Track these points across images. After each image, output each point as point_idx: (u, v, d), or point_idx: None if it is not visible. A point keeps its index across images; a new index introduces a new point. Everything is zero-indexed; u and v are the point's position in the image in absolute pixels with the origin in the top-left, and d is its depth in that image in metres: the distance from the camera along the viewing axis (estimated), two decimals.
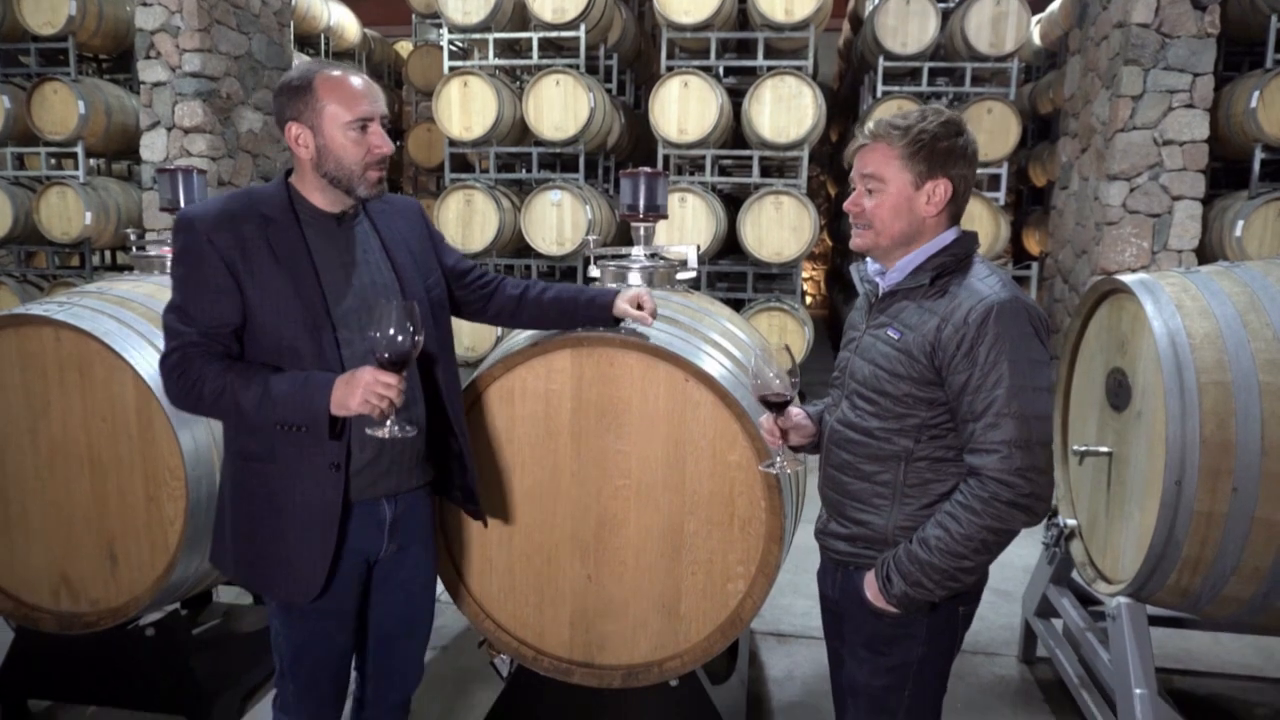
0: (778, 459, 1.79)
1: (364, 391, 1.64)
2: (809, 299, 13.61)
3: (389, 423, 1.68)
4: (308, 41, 10.09)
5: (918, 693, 1.72)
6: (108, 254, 8.36)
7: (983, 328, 1.54)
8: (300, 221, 1.80)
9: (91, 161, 7.53)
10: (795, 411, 1.83)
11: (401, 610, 2.04)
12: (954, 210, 1.66)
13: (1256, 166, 6.27)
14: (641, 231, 2.79)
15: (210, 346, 1.73)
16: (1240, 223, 6.15)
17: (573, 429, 2.28)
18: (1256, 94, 6.03)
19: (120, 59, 7.92)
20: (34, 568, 2.56)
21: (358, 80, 1.76)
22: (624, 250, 2.76)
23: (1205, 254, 6.37)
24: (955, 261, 1.64)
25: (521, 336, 2.38)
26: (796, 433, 1.82)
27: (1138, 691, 2.40)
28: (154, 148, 6.87)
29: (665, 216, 2.83)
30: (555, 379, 2.27)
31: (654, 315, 2.15)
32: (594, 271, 2.83)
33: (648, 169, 2.78)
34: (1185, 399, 2.25)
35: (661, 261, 2.74)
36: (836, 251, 11.97)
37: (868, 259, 1.79)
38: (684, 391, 2.22)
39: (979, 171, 7.04)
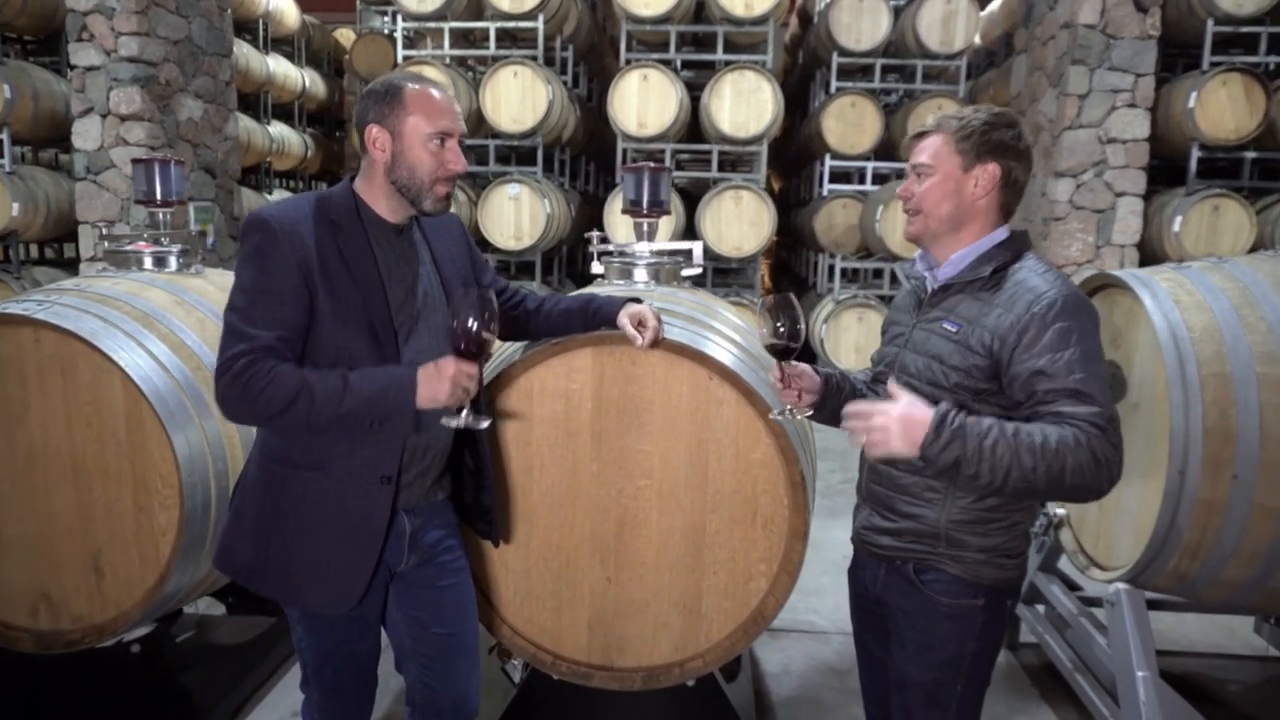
0: (787, 407, 1.82)
1: (453, 383, 1.64)
2: None
3: (464, 413, 1.70)
4: (244, 27, 9.70)
5: (969, 686, 1.73)
6: (34, 248, 7.93)
7: (1047, 318, 1.55)
8: (366, 231, 1.77)
9: (16, 149, 7.11)
10: (800, 364, 1.85)
11: (432, 629, 1.97)
12: (1004, 200, 1.69)
13: (1193, 165, 6.55)
14: (645, 227, 2.76)
15: (278, 350, 1.66)
16: (1179, 218, 6.42)
17: (593, 429, 2.24)
18: (1194, 95, 6.29)
19: (48, 41, 7.50)
20: (10, 584, 2.40)
21: (442, 95, 1.77)
22: (629, 247, 2.73)
23: (1145, 249, 6.64)
24: (1014, 256, 1.67)
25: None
26: (800, 381, 1.82)
27: (1140, 674, 2.49)
28: (87, 135, 6.53)
29: (668, 212, 2.80)
30: (576, 378, 2.22)
31: (656, 336, 2.08)
32: (596, 268, 2.78)
33: (651, 164, 2.75)
34: (1188, 391, 2.32)
35: (666, 258, 2.71)
36: (783, 245, 12.09)
37: (917, 256, 1.80)
38: (707, 389, 2.20)
39: None
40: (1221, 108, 6.29)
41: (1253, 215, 6.33)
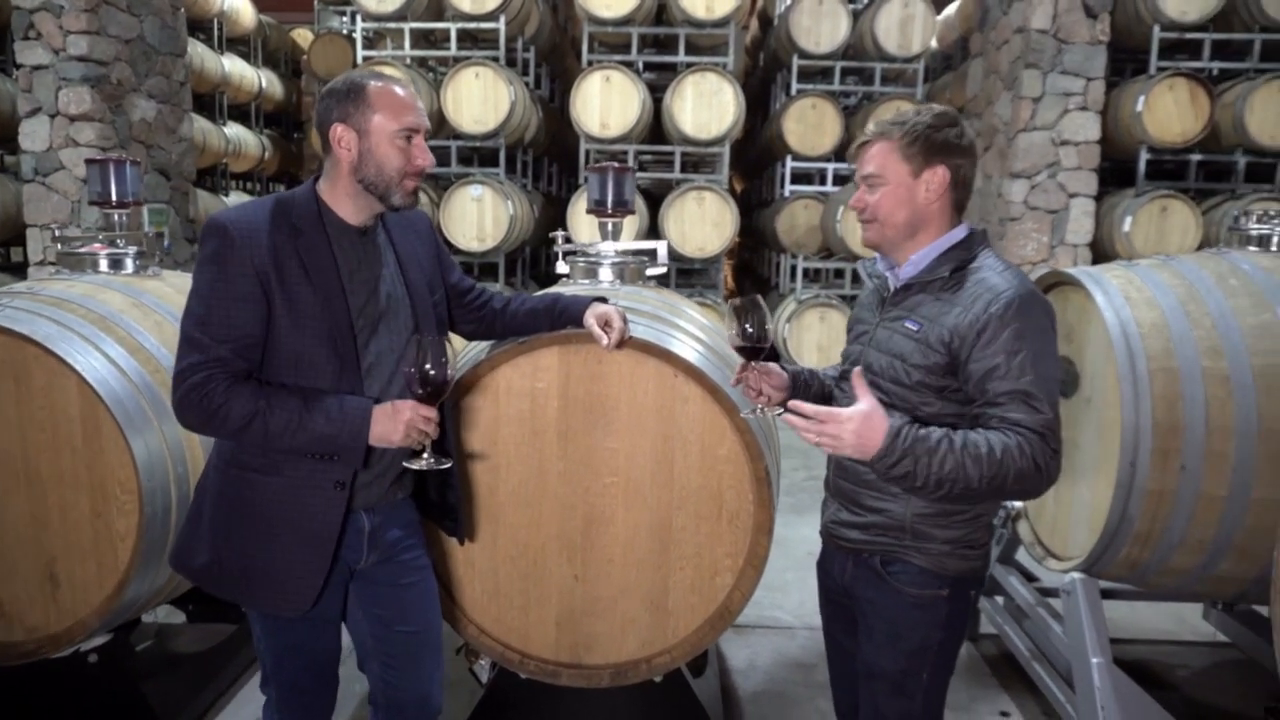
0: (758, 406, 1.83)
1: (407, 427, 1.68)
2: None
3: (426, 454, 1.74)
4: (199, 26, 9.53)
5: (935, 675, 1.77)
6: None
7: (1005, 318, 1.59)
8: (328, 235, 1.77)
9: None
10: (769, 363, 1.86)
11: (396, 627, 1.97)
12: (956, 199, 1.72)
13: (1142, 166, 6.73)
14: (609, 226, 2.78)
15: (234, 364, 1.68)
16: (1129, 219, 6.59)
17: (560, 427, 2.24)
18: (1142, 99, 6.47)
19: None
20: None
21: (406, 91, 1.77)
22: (594, 246, 2.74)
23: (1097, 248, 6.80)
24: (972, 256, 1.70)
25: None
26: (768, 380, 1.84)
27: (1095, 660, 2.55)
28: (35, 136, 6.38)
29: (633, 212, 2.82)
30: (542, 377, 2.23)
31: (622, 336, 2.08)
32: (561, 268, 2.79)
33: (615, 164, 2.76)
34: (1138, 385, 2.39)
35: (631, 257, 2.72)
36: (746, 246, 12.18)
37: (876, 256, 1.84)
38: (673, 387, 2.22)
39: None
40: (1168, 112, 6.47)
41: (1199, 216, 6.52)
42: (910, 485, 1.59)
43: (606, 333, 2.06)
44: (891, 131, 1.70)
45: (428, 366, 1.65)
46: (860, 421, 1.54)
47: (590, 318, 2.08)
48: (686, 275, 7.97)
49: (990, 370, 1.59)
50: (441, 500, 2.07)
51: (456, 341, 2.40)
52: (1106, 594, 3.15)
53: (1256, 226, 2.73)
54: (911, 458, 1.55)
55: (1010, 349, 1.58)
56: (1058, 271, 2.76)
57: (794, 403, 1.60)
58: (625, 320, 2.11)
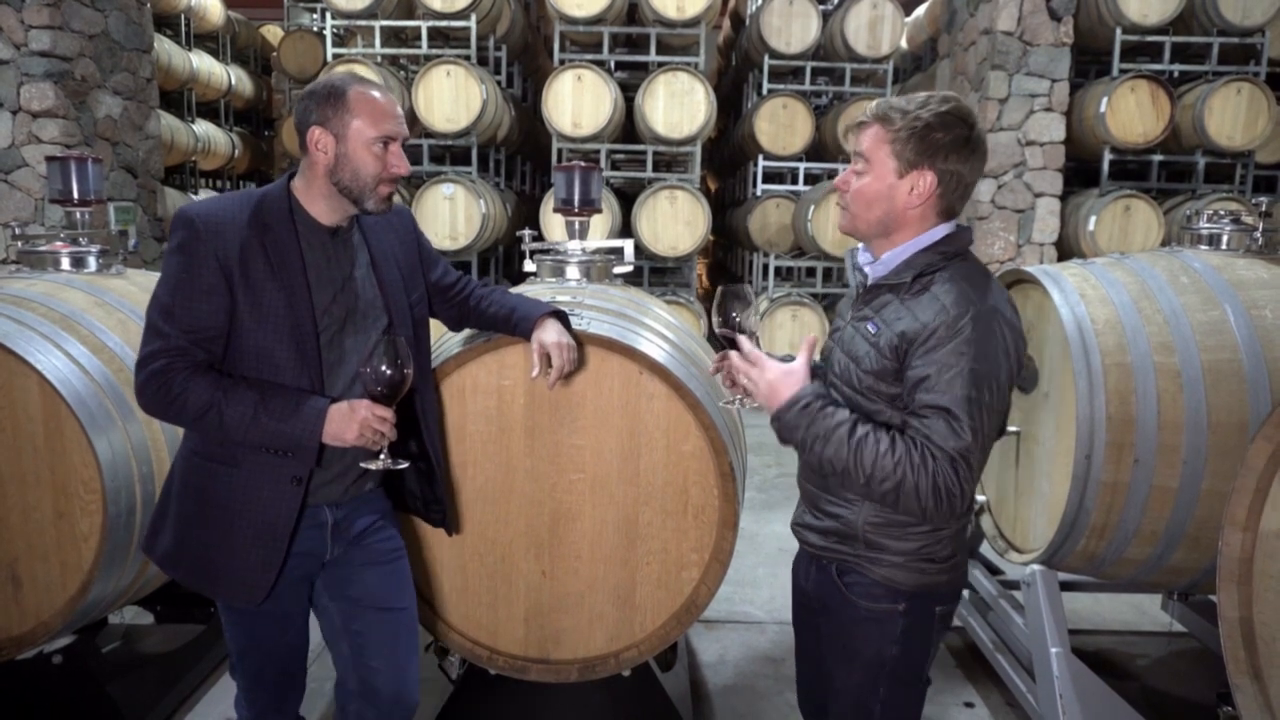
0: (738, 397, 1.76)
1: (361, 426, 1.69)
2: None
3: (382, 455, 1.75)
4: (165, 22, 9.42)
5: (894, 691, 1.68)
6: None
7: (951, 331, 1.49)
8: (297, 233, 1.77)
9: None
10: (754, 352, 1.76)
11: (368, 606, 1.97)
12: (943, 206, 1.58)
13: (1105, 167, 6.86)
14: (576, 225, 2.79)
15: (194, 354, 1.69)
16: (1093, 218, 6.70)
17: (526, 424, 2.26)
18: (1105, 100, 6.59)
19: None
20: None
21: (386, 98, 1.77)
22: (561, 245, 2.75)
23: (1063, 247, 6.92)
24: (944, 259, 1.57)
25: (466, 333, 2.33)
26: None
27: (1054, 650, 2.61)
28: None
29: (600, 210, 2.84)
30: (508, 374, 2.24)
31: (560, 375, 2.05)
32: (529, 266, 2.80)
33: (582, 163, 2.78)
34: (1092, 380, 2.45)
35: (598, 256, 2.74)
36: (720, 245, 12.24)
37: (860, 247, 1.73)
38: (638, 384, 2.24)
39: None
40: (1130, 113, 6.59)
41: (1160, 215, 6.65)
42: (803, 456, 1.59)
43: (545, 371, 2.04)
44: (892, 118, 1.54)
45: (383, 367, 1.66)
46: (778, 375, 1.57)
47: (534, 348, 2.04)
48: (660, 274, 8.01)
49: (921, 380, 1.50)
50: (424, 492, 2.08)
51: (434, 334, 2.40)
52: (1069, 586, 3.22)
53: (1207, 226, 2.80)
54: (802, 429, 1.53)
55: (946, 363, 1.48)
56: (1017, 270, 2.82)
57: (740, 339, 1.64)
58: (570, 351, 2.06)
